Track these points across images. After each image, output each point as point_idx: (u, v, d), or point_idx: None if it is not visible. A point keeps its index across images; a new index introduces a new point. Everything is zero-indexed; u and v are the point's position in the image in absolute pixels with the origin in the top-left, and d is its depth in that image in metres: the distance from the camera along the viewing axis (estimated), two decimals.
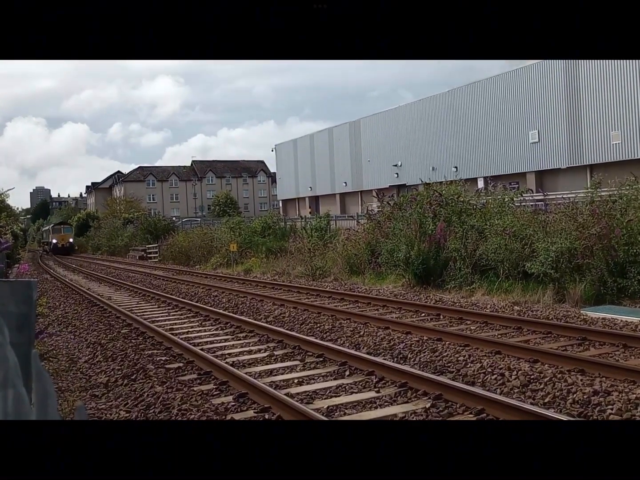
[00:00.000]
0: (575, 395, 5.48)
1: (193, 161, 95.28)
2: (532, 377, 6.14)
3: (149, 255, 35.93)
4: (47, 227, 68.90)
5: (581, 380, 5.95)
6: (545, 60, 31.84)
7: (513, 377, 6.20)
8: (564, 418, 4.37)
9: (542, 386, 5.85)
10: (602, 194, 13.14)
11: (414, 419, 5.31)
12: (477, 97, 36.54)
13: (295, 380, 6.79)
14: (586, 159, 30.27)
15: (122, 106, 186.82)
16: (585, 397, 5.42)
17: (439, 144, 39.32)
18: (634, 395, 5.36)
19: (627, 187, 12.37)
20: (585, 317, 9.64)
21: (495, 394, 5.64)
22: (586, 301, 10.79)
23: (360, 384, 6.50)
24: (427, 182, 18.06)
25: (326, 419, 5.18)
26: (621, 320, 9.16)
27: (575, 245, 11.55)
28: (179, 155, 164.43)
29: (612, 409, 5.08)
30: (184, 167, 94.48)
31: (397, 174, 42.81)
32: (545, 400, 5.49)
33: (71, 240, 57.49)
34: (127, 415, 5.90)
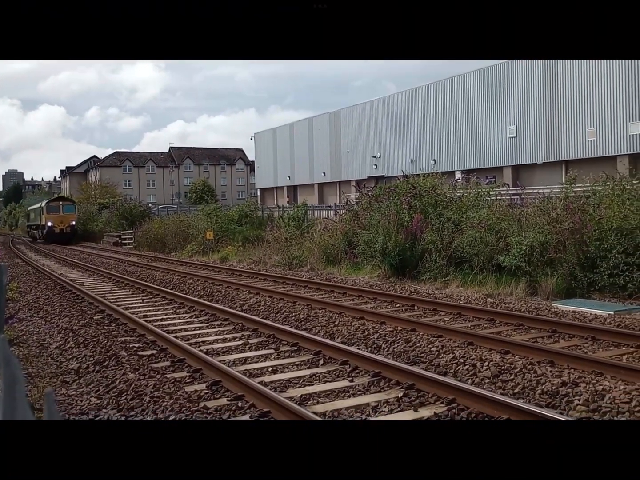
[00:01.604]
0: (544, 386, 5.58)
1: (171, 147, 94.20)
2: (503, 368, 6.23)
3: (123, 242, 35.52)
4: (37, 205, 50.38)
5: (550, 371, 6.06)
6: None
7: (484, 367, 6.28)
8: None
9: (512, 377, 5.95)
10: (577, 189, 13.35)
11: (386, 408, 5.36)
12: (457, 91, 36.73)
13: (270, 369, 6.79)
14: (562, 154, 30.70)
15: (100, 89, 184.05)
16: (553, 388, 5.52)
17: (418, 137, 39.47)
18: (601, 387, 5.48)
19: (601, 184, 12.58)
20: (556, 310, 9.81)
21: (466, 384, 5.72)
22: (557, 294, 10.98)
23: (334, 373, 6.53)
24: (405, 174, 18.12)
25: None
26: (590, 314, 9.34)
27: (548, 240, 11.74)
28: (157, 141, 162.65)
29: (579, 400, 5.18)
30: (162, 153, 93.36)
31: (376, 165, 42.89)
32: (515, 391, 5.58)
33: (73, 223, 42.18)
34: (98, 402, 5.84)
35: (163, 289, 13.58)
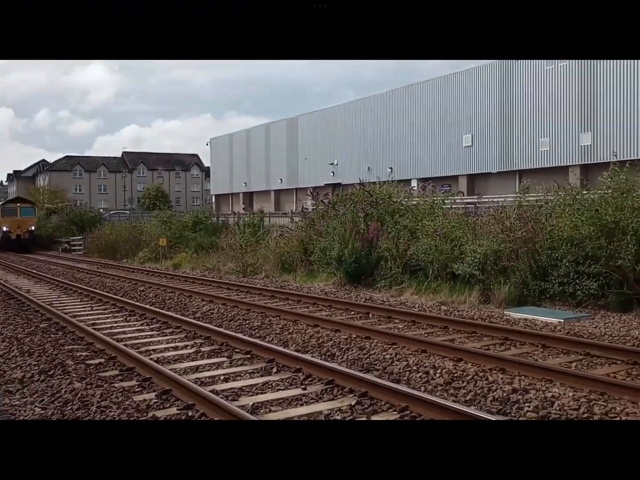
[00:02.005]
0: (495, 393, 5.62)
1: (124, 152, 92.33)
2: (456, 375, 6.25)
3: (73, 248, 34.51)
4: None
5: (502, 378, 6.12)
6: (481, 66, 32.87)
7: (437, 375, 6.29)
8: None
9: (464, 384, 5.97)
10: (530, 199, 13.65)
11: (339, 416, 5.28)
12: (414, 100, 37.29)
13: (222, 377, 6.64)
14: (516, 164, 31.49)
15: (51, 91, 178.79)
16: (504, 394, 5.56)
17: (375, 145, 39.86)
18: (550, 394, 5.55)
19: (552, 194, 12.90)
20: (508, 317, 9.96)
21: (419, 391, 5.70)
22: (509, 302, 11.16)
23: (287, 381, 6.43)
24: (362, 182, 18.21)
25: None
26: (541, 321, 9.52)
27: (502, 248, 11.94)
28: (110, 146, 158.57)
29: (529, 407, 5.23)
30: (115, 158, 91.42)
31: (333, 172, 43.07)
32: (467, 398, 5.60)
33: (32, 228, 36.63)
34: (43, 412, 5.58)
35: (113, 296, 13.19)
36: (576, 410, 5.09)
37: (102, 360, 7.50)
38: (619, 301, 10.40)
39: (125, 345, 8.13)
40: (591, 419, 4.67)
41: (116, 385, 6.42)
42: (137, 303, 11.95)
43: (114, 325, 10.03)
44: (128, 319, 10.62)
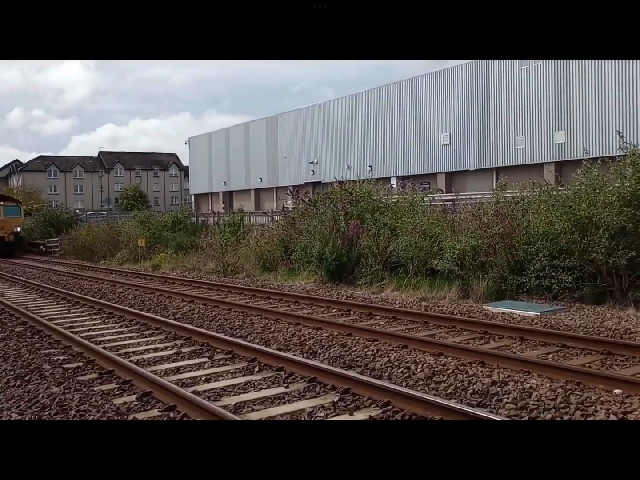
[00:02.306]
0: (475, 386, 5.69)
1: (100, 152, 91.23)
2: (436, 369, 6.32)
3: (49, 250, 34.01)
4: None
5: (481, 371, 6.20)
6: (458, 66, 33.16)
7: (418, 370, 6.35)
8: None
9: (445, 378, 6.04)
10: (506, 195, 13.82)
11: (322, 413, 5.31)
12: (392, 99, 37.46)
13: (203, 378, 6.62)
14: (493, 162, 31.83)
15: (24, 90, 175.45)
16: (484, 387, 5.64)
17: (355, 143, 39.96)
18: (528, 385, 5.64)
19: (528, 190, 13.08)
20: (486, 312, 10.09)
21: (400, 386, 5.75)
22: (488, 297, 11.30)
23: (270, 379, 6.43)
24: (341, 180, 18.25)
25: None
26: (519, 315, 9.66)
27: (480, 244, 12.08)
28: (85, 145, 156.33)
29: (508, 398, 5.31)
30: (91, 157, 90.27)
31: (313, 171, 43.08)
32: (448, 392, 5.66)
33: (18, 229, 33.23)
34: (20, 417, 5.50)
35: (91, 298, 13.04)
36: (553, 400, 5.18)
37: (80, 363, 7.42)
38: (593, 293, 10.60)
39: (103, 347, 8.05)
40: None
41: (95, 388, 6.35)
42: (115, 305, 11.83)
43: (92, 327, 9.92)
44: (106, 321, 10.52)
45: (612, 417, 4.71)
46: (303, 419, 4.94)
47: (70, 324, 10.20)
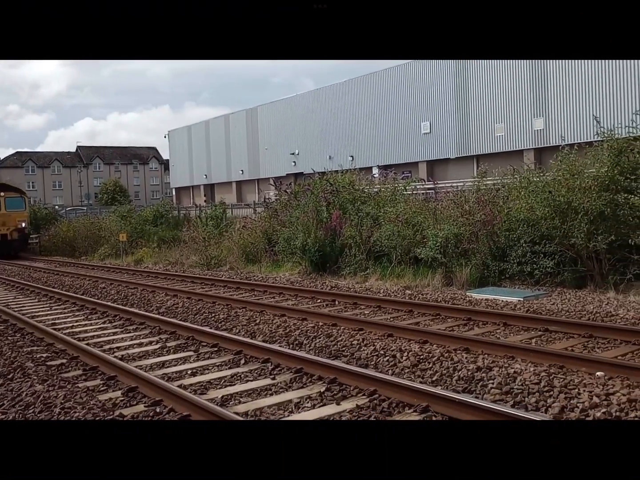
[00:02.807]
0: (460, 372, 5.75)
1: (78, 146, 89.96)
2: (422, 357, 6.36)
3: (29, 247, 33.51)
4: None
5: (466, 357, 6.25)
6: None
7: (404, 358, 6.39)
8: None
9: (430, 365, 6.08)
10: (487, 183, 13.91)
11: (309, 403, 5.32)
12: (373, 88, 37.40)
13: (189, 372, 6.59)
14: (473, 149, 31.99)
15: None
16: (469, 373, 5.69)
17: (336, 133, 39.88)
18: (513, 370, 5.70)
19: (509, 177, 13.18)
20: (470, 298, 10.17)
21: (387, 375, 5.78)
22: (471, 284, 11.40)
23: (256, 371, 6.43)
24: (322, 171, 18.23)
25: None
26: (502, 301, 9.76)
27: (462, 231, 12.17)
28: (63, 140, 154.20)
29: (493, 384, 5.37)
30: (69, 152, 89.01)
31: (294, 162, 42.94)
32: (434, 379, 5.71)
33: (24, 224, 28.36)
34: (3, 417, 5.43)
35: (73, 294, 12.91)
36: (537, 384, 5.24)
37: (64, 360, 7.34)
38: (573, 278, 10.75)
39: (87, 344, 7.98)
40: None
41: (80, 385, 6.29)
42: (98, 301, 11.73)
43: (75, 324, 9.82)
44: (89, 317, 10.42)
45: (595, 399, 4.79)
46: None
47: (53, 321, 10.09)
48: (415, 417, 4.80)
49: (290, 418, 4.77)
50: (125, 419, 5.21)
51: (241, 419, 4.72)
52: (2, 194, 27.67)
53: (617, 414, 4.50)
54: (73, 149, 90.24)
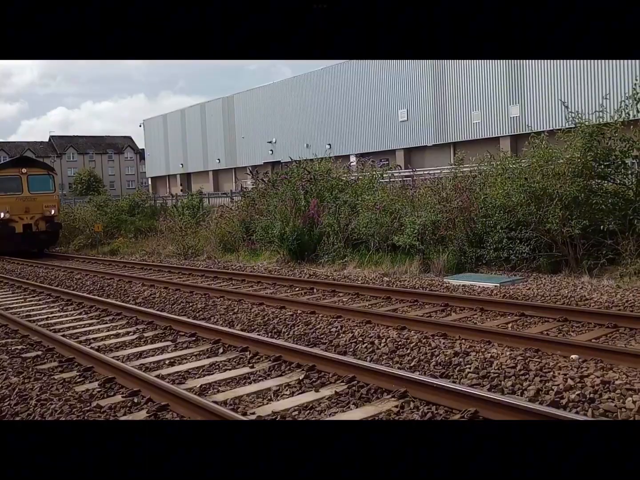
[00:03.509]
0: (438, 358, 5.79)
1: (51, 136, 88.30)
2: (400, 343, 6.40)
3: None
4: None
5: (443, 343, 6.31)
6: None
7: (382, 344, 6.42)
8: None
9: (408, 351, 6.12)
10: (464, 169, 14.00)
11: (288, 391, 5.32)
12: (350, 76, 37.29)
13: (167, 361, 6.55)
14: (450, 137, 32.15)
15: None
16: (447, 358, 5.75)
17: (313, 121, 39.73)
18: (489, 354, 5.77)
19: (485, 164, 13.28)
20: (447, 285, 10.26)
21: (365, 361, 5.81)
22: (448, 270, 11.49)
23: (234, 360, 6.41)
24: (299, 159, 18.15)
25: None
26: (479, 287, 9.86)
27: (439, 218, 12.24)
28: (35, 130, 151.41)
29: (470, 368, 5.43)
30: (42, 142, 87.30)
31: (271, 150, 42.71)
32: (412, 364, 5.75)
33: (53, 211, 21.75)
34: None
35: (48, 286, 12.71)
36: (513, 368, 5.31)
37: (39, 352, 7.24)
38: (549, 263, 10.90)
39: (63, 335, 7.88)
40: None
41: (56, 377, 6.23)
42: (73, 292, 11.56)
43: (50, 315, 9.68)
44: (65, 308, 10.28)
45: (570, 382, 4.87)
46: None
47: (27, 313, 9.93)
48: (393, 402, 4.83)
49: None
50: (123, 419, 5.15)
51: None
52: (24, 170, 20.85)
53: (591, 395, 4.59)
54: (46, 139, 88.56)
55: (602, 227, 10.35)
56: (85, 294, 11.18)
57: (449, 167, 15.41)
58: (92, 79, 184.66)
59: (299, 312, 8.44)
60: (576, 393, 4.61)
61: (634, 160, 10.59)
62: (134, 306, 9.56)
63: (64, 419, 4.97)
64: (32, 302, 11.16)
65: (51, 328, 8.51)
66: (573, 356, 5.67)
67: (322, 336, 7.04)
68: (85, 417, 4.98)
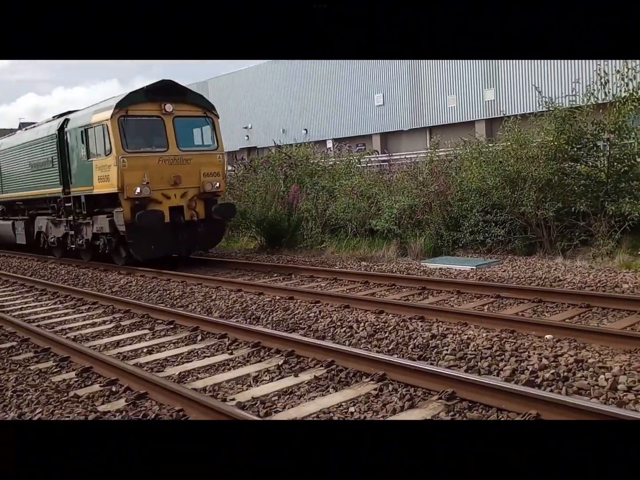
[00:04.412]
0: (415, 341, 5.85)
1: (21, 123, 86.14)
2: (378, 327, 6.45)
3: None
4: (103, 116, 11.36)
5: (421, 326, 6.37)
6: None
7: (361, 328, 6.46)
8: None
9: (386, 334, 6.17)
10: (440, 154, 14.08)
11: (267, 377, 5.33)
12: (325, 61, 37.05)
13: (145, 350, 6.51)
14: (426, 121, 32.22)
15: None
16: (424, 341, 5.81)
17: (289, 107, 39.47)
18: (466, 336, 5.85)
19: (461, 148, 13.37)
20: (424, 268, 10.34)
21: (344, 345, 5.84)
22: (425, 254, 11.58)
23: (213, 347, 6.40)
24: (279, 145, 18.06)
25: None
26: (455, 270, 9.96)
27: (416, 202, 12.32)
28: (5, 117, 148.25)
29: (447, 350, 5.50)
30: (11, 129, 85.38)
31: (247, 136, 42.38)
32: (390, 347, 5.80)
33: (218, 185, 11.93)
34: None
35: (21, 276, 12.50)
36: (489, 349, 5.39)
37: (14, 343, 7.14)
38: (524, 245, 11.06)
39: (38, 325, 7.78)
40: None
41: (32, 367, 6.16)
42: (48, 282, 11.39)
43: (24, 306, 9.53)
44: (39, 298, 10.13)
45: (544, 361, 4.96)
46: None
47: (1, 304, 9.76)
48: (372, 385, 4.87)
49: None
50: (101, 408, 5.11)
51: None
52: (169, 107, 11.65)
53: (565, 374, 4.68)
54: (16, 126, 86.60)
55: (574, 209, 10.51)
56: (60, 284, 11.03)
57: (425, 151, 15.47)
58: (64, 65, 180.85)
59: (277, 297, 8.44)
60: (550, 372, 4.70)
61: (605, 143, 10.75)
62: (110, 295, 9.46)
63: (40, 409, 4.92)
64: (6, 292, 10.98)
65: (26, 318, 8.39)
66: (547, 336, 5.77)
67: (300, 321, 7.05)
68: (63, 407, 4.93)
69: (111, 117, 10.98)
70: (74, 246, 13.19)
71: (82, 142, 11.99)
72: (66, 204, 12.96)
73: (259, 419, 4.30)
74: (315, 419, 4.38)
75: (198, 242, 12.09)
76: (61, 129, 12.96)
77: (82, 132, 12.00)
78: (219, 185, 12.12)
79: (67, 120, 12.97)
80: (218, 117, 12.64)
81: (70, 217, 12.93)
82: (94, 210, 12.12)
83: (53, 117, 14.74)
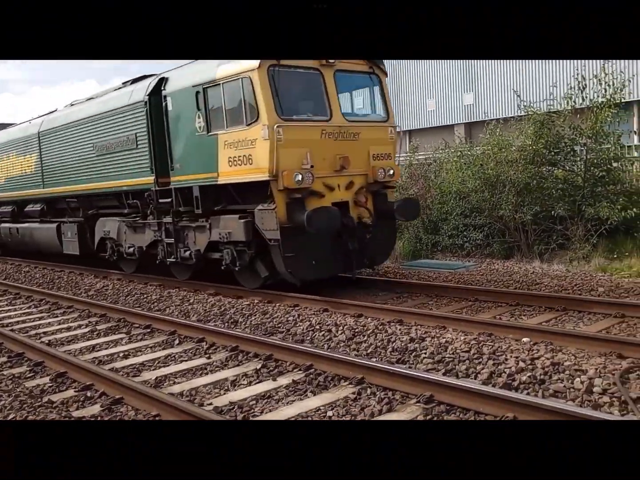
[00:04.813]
0: (394, 344, 5.85)
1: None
2: (357, 330, 6.43)
3: None
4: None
5: (400, 329, 6.37)
6: None
7: (339, 332, 6.44)
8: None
9: (365, 338, 6.15)
10: (420, 157, 14.15)
11: (245, 381, 5.29)
12: None
13: (121, 354, 6.42)
14: (405, 124, 32.41)
15: None
16: (403, 344, 5.80)
17: None
18: (444, 339, 5.86)
19: (440, 152, 13.45)
20: (403, 271, 10.36)
21: (322, 349, 5.82)
22: (405, 257, 11.62)
23: (191, 351, 6.33)
24: None
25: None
26: (434, 273, 10.00)
27: None
28: None
29: (425, 354, 5.50)
30: None
31: None
32: (369, 351, 5.79)
33: (392, 172, 8.59)
34: None
35: None
36: (467, 352, 5.41)
37: None
38: (502, 249, 11.16)
39: (11, 330, 7.63)
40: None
41: (5, 372, 6.05)
42: (22, 285, 11.19)
43: None
44: (13, 302, 9.94)
45: (521, 364, 4.99)
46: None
47: None
48: (351, 389, 4.85)
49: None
50: (76, 414, 5.01)
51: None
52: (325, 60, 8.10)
53: (542, 377, 4.71)
54: None
55: (552, 213, 10.64)
56: (34, 288, 10.83)
57: (404, 155, 15.55)
58: (40, 65, 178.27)
59: (256, 301, 8.37)
60: (527, 375, 4.73)
61: (582, 148, 10.90)
62: (85, 299, 9.31)
63: (14, 415, 4.82)
64: None
65: None
66: (524, 339, 5.81)
67: (279, 325, 7.01)
68: (36, 413, 4.84)
69: (259, 66, 7.47)
70: (173, 259, 9.56)
71: (198, 109, 8.45)
72: (160, 200, 9.42)
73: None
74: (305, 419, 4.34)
75: (367, 254, 8.62)
76: (154, 93, 9.29)
77: (197, 93, 8.45)
78: (393, 172, 8.76)
79: (164, 79, 9.25)
80: (386, 75, 9.27)
81: (168, 218, 9.46)
82: (212, 208, 8.75)
83: (123, 83, 11.06)
